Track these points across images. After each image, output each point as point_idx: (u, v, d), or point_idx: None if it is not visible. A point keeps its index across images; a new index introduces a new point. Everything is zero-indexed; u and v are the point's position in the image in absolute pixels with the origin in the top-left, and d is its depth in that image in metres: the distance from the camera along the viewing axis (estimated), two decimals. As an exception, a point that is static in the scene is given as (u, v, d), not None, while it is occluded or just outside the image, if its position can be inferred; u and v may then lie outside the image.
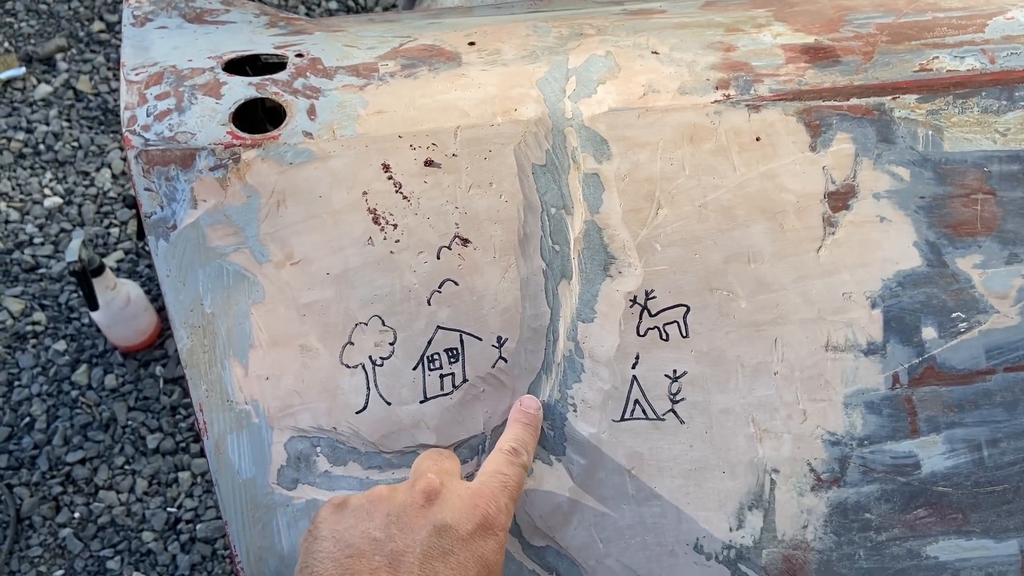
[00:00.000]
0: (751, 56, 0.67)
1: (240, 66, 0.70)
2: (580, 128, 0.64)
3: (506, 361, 0.62)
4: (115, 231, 1.92)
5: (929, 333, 0.62)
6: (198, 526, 1.62)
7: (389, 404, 0.61)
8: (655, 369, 0.62)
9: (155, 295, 1.84)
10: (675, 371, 0.62)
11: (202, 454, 1.70)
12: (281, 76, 0.67)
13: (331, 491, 0.60)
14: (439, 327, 0.62)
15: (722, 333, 0.62)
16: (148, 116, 0.64)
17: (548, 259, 0.63)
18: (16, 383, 1.76)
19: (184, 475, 1.67)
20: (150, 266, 1.88)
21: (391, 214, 0.62)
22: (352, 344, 0.61)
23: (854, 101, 0.64)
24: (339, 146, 0.63)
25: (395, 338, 0.61)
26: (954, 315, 0.62)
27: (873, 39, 0.68)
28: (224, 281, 0.61)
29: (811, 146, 0.64)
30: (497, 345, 0.62)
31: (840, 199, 0.63)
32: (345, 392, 0.61)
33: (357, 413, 0.61)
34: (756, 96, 0.64)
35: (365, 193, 0.62)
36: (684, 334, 0.62)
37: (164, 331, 1.81)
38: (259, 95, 0.65)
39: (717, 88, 0.65)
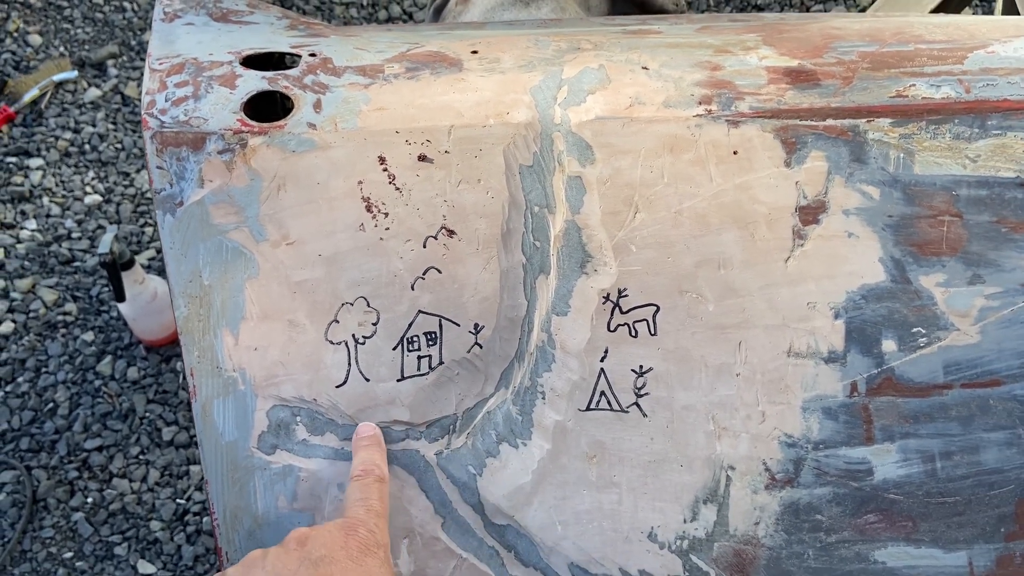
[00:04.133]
0: (736, 76, 0.70)
1: (257, 62, 0.75)
2: (567, 133, 0.68)
3: (481, 347, 0.65)
4: (149, 230, 1.99)
5: (889, 346, 0.64)
6: (205, 519, 1.67)
7: (368, 380, 0.65)
8: (623, 363, 0.64)
9: (181, 293, 1.90)
10: (641, 366, 0.64)
11: (214, 449, 1.74)
12: (293, 72, 0.72)
13: (307, 458, 0.64)
14: (420, 311, 0.65)
15: (689, 333, 0.65)
16: (166, 101, 0.69)
17: (528, 254, 0.66)
18: (43, 370, 1.82)
19: (195, 468, 1.72)
20: (179, 265, 1.95)
21: (383, 203, 0.66)
22: (337, 322, 0.65)
23: (830, 122, 0.67)
24: (340, 138, 0.67)
25: (378, 319, 0.65)
26: (915, 330, 0.64)
27: (854, 65, 0.71)
28: (223, 256, 0.66)
29: (786, 162, 0.67)
30: (474, 332, 0.65)
31: (811, 213, 0.66)
32: (327, 367, 0.65)
33: (337, 387, 0.64)
34: (737, 112, 0.68)
35: (360, 182, 0.67)
36: (653, 332, 0.65)
37: (187, 328, 1.87)
38: (270, 88, 0.70)
39: (700, 103, 0.68)
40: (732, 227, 0.66)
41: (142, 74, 2.20)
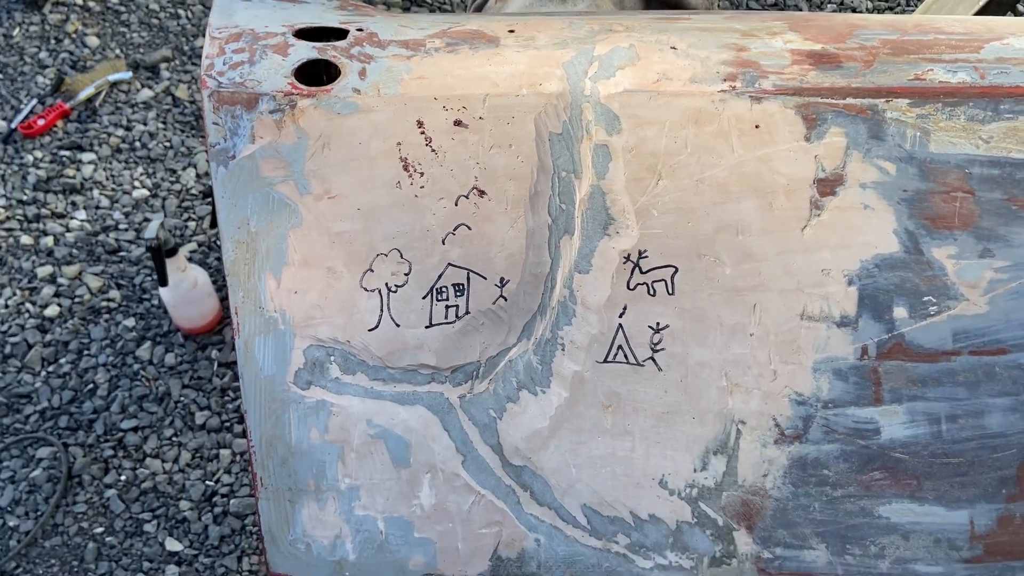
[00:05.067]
0: (761, 56, 0.74)
1: (309, 35, 0.80)
2: (596, 104, 0.71)
3: (506, 300, 0.69)
4: (192, 224, 2.06)
5: (900, 312, 0.66)
6: (232, 501, 1.71)
7: (398, 326, 0.68)
8: (640, 320, 0.68)
9: (220, 284, 1.97)
10: (658, 323, 0.67)
11: (243, 435, 1.79)
12: (341, 43, 0.77)
13: (339, 395, 0.67)
14: (450, 264, 0.69)
15: (705, 294, 0.68)
16: (224, 65, 0.74)
17: (554, 215, 0.70)
18: (85, 352, 1.89)
19: (225, 452, 1.76)
20: (219, 259, 2.01)
21: (420, 163, 0.70)
22: (372, 271, 0.69)
23: (850, 100, 0.70)
24: (382, 102, 0.72)
25: (410, 269, 0.69)
26: (926, 298, 0.66)
27: (875, 51, 0.74)
28: (269, 206, 0.70)
29: (806, 136, 0.70)
30: (499, 285, 0.69)
31: (828, 185, 0.69)
32: (361, 311, 0.68)
33: (370, 331, 0.68)
34: (760, 89, 0.71)
35: (399, 144, 0.71)
36: (670, 292, 0.68)
37: (224, 318, 1.93)
38: (320, 56, 0.75)
39: (725, 80, 0.72)
40: (751, 196, 0.69)
41: (194, 77, 2.29)
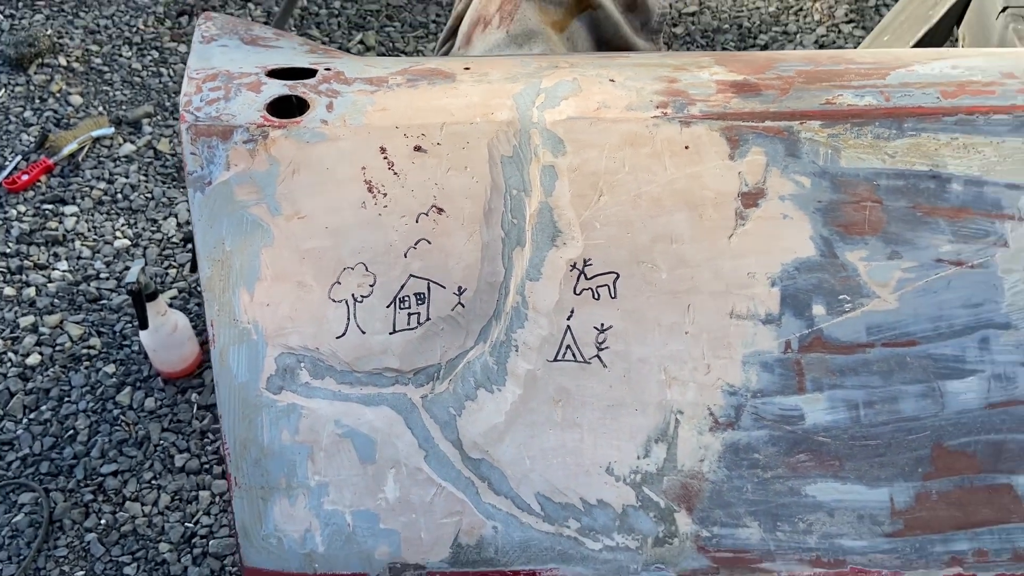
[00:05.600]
0: (689, 87, 0.82)
1: (281, 75, 0.87)
2: (543, 130, 0.79)
3: (464, 307, 0.75)
4: (173, 272, 2.11)
5: (819, 310, 0.73)
6: (211, 542, 1.73)
7: (364, 333, 0.74)
8: (586, 322, 0.74)
9: (200, 329, 2.01)
10: (603, 324, 0.74)
11: (223, 476, 1.82)
12: (310, 81, 0.84)
13: (309, 398, 0.73)
14: (411, 275, 0.75)
15: (644, 297, 0.74)
16: (201, 101, 0.81)
17: (507, 229, 0.77)
18: (66, 399, 1.92)
19: (204, 494, 1.79)
20: (199, 304, 2.06)
21: (383, 185, 0.77)
22: (339, 283, 0.75)
23: (768, 123, 0.78)
24: (348, 131, 0.79)
25: (375, 281, 0.75)
26: (841, 297, 0.73)
27: (791, 80, 0.82)
28: (243, 227, 0.77)
29: (730, 156, 0.77)
30: (458, 293, 0.75)
31: (751, 198, 0.76)
32: (329, 321, 0.74)
33: (337, 338, 0.74)
34: (688, 115, 0.79)
35: (364, 168, 0.78)
36: (613, 295, 0.74)
37: (204, 362, 1.97)
38: (290, 93, 0.82)
39: (657, 107, 0.80)
40: (683, 209, 0.76)
41: (175, 132, 2.37)
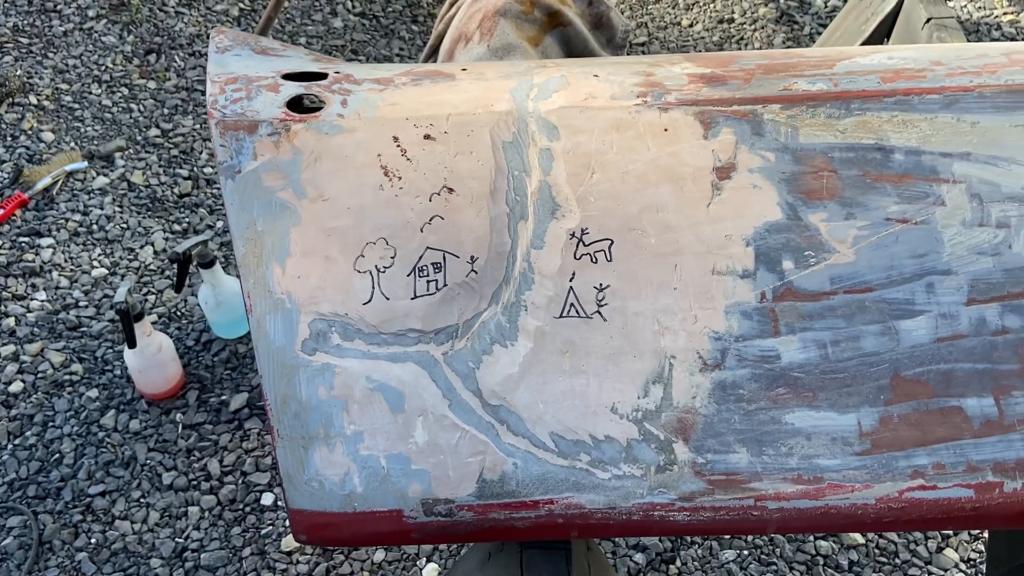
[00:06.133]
0: (664, 79, 0.93)
1: (294, 79, 0.96)
2: (539, 119, 0.89)
3: (476, 273, 0.84)
4: (152, 298, 2.15)
5: (788, 265, 0.84)
6: (202, 555, 1.76)
7: (388, 299, 0.82)
8: (586, 282, 0.83)
9: (182, 351, 2.06)
10: (601, 284, 0.83)
11: (211, 492, 1.85)
12: (323, 82, 0.93)
13: (341, 358, 0.81)
14: (428, 247, 0.84)
15: (636, 259, 0.84)
16: (226, 100, 0.89)
17: (511, 205, 0.86)
18: (51, 424, 1.94)
19: (193, 509, 1.82)
20: (179, 328, 2.11)
21: (398, 170, 0.86)
22: (363, 257, 0.83)
23: (735, 107, 0.89)
24: (362, 124, 0.88)
25: (395, 254, 0.84)
26: (806, 253, 0.84)
27: (752, 71, 0.94)
28: (273, 210, 0.85)
29: (704, 136, 0.88)
30: (470, 262, 0.84)
31: (724, 172, 0.87)
32: (356, 289, 0.82)
33: (364, 304, 0.82)
34: (666, 102, 0.90)
35: (379, 155, 0.87)
36: (609, 259, 0.84)
37: (187, 383, 2.01)
38: (306, 92, 0.91)
39: (638, 96, 0.90)
40: (666, 183, 0.86)
41: (147, 164, 2.43)
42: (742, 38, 2.84)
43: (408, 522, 0.78)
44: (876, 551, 1.82)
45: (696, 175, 0.87)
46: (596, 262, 0.84)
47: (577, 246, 0.84)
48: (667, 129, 0.88)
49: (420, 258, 0.84)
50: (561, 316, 0.83)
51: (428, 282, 0.83)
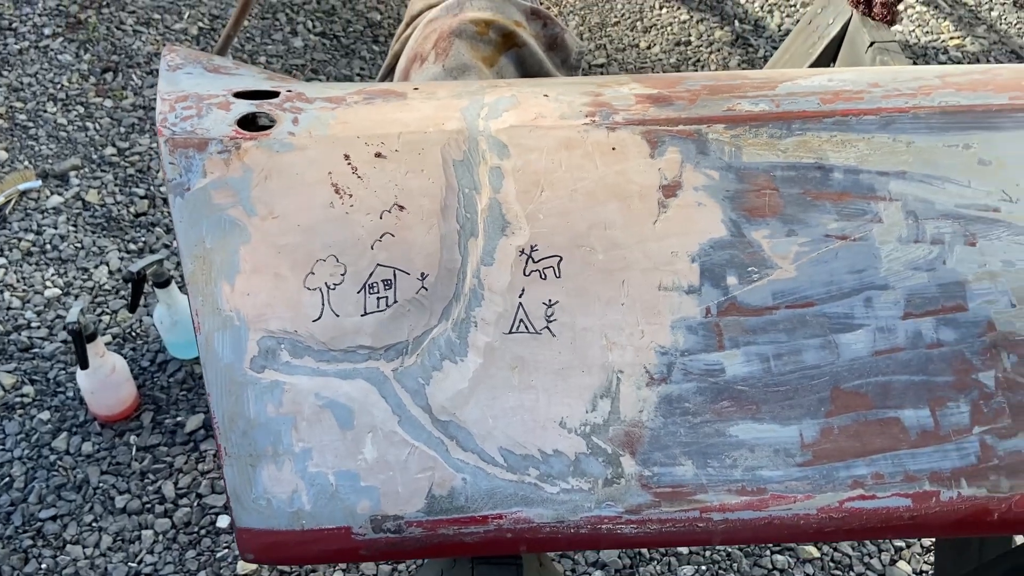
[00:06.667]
0: (612, 99, 0.95)
1: (246, 97, 0.96)
2: (489, 137, 0.90)
3: (427, 290, 0.84)
4: (106, 318, 2.13)
5: (732, 280, 0.85)
6: (155, 579, 1.73)
7: (338, 316, 0.83)
8: (535, 298, 0.84)
9: (137, 372, 2.03)
10: (550, 300, 0.84)
11: (165, 515, 1.82)
12: (275, 100, 0.94)
13: (290, 375, 0.81)
14: (378, 264, 0.84)
15: (585, 276, 0.85)
16: (176, 118, 0.89)
17: (461, 223, 0.87)
18: (0, 448, 1.90)
19: (147, 533, 1.79)
20: (134, 348, 2.08)
21: (348, 187, 0.87)
22: (313, 274, 0.84)
23: (681, 127, 0.91)
24: (313, 141, 0.88)
25: (345, 271, 0.84)
26: (750, 269, 0.86)
27: (698, 92, 0.96)
28: (222, 227, 0.85)
29: (650, 155, 0.90)
30: (420, 279, 0.84)
31: (670, 190, 0.89)
32: (305, 306, 0.83)
33: (313, 321, 0.82)
34: (613, 122, 0.92)
35: (330, 173, 0.87)
36: (558, 275, 0.85)
37: (141, 405, 1.98)
38: (257, 111, 0.92)
39: (587, 116, 0.92)
40: (614, 200, 0.88)
41: (103, 183, 2.40)
42: (698, 60, 2.90)
43: (357, 539, 0.78)
44: (831, 564, 1.85)
45: (643, 193, 0.88)
46: (545, 278, 0.85)
47: (526, 263, 0.86)
48: (615, 148, 0.90)
49: (370, 275, 0.84)
50: (510, 332, 0.84)
51: (378, 299, 0.84)
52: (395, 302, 0.84)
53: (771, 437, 0.81)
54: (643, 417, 0.81)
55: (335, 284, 0.84)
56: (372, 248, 0.85)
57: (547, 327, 0.84)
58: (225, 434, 0.79)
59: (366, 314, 0.83)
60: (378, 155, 0.88)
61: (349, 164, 0.88)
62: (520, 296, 0.85)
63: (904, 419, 0.82)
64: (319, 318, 0.83)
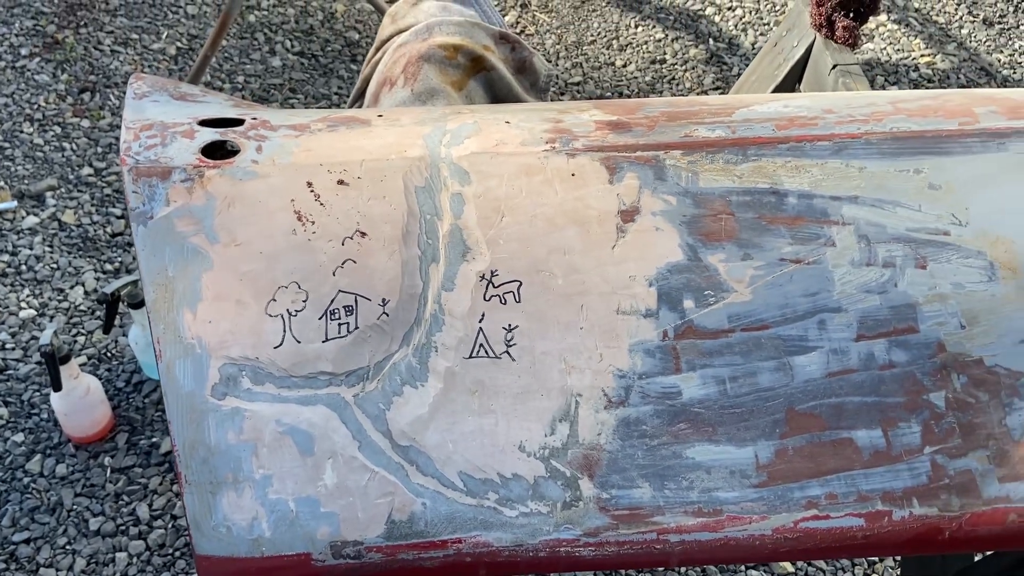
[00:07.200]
0: (573, 126, 0.97)
1: (211, 125, 0.97)
2: (450, 164, 0.92)
3: (388, 316, 0.85)
4: (81, 339, 2.12)
5: (689, 304, 0.87)
6: (129, 602, 1.72)
7: (299, 342, 0.84)
8: (495, 323, 0.86)
9: (112, 393, 2.02)
10: (510, 324, 0.86)
11: (140, 536, 1.82)
12: (239, 128, 0.95)
13: (251, 402, 0.81)
14: (340, 290, 0.85)
15: (544, 300, 0.87)
16: (140, 147, 0.90)
17: (423, 248, 0.88)
18: (-29, 470, 1.89)
19: (121, 555, 1.78)
20: (109, 369, 2.08)
21: (311, 214, 0.88)
22: (275, 300, 0.85)
23: (639, 153, 0.93)
24: (277, 169, 0.90)
25: (307, 297, 0.85)
26: (706, 292, 0.87)
27: (656, 119, 0.98)
28: (184, 255, 0.85)
29: (609, 180, 0.92)
30: (382, 304, 0.86)
31: (629, 215, 0.90)
32: (267, 333, 0.84)
33: (275, 348, 0.83)
34: (573, 148, 0.93)
35: (293, 200, 0.88)
36: (517, 300, 0.86)
37: (116, 426, 1.98)
38: (222, 139, 0.93)
39: (547, 142, 0.94)
40: (573, 226, 0.89)
41: (79, 203, 2.40)
42: (673, 78, 2.93)
43: (316, 565, 0.79)
44: (805, 579, 1.86)
45: (601, 218, 0.90)
46: (505, 303, 0.86)
47: (487, 288, 0.87)
48: (574, 174, 0.92)
49: (332, 301, 0.85)
50: (471, 357, 0.85)
51: (340, 325, 0.85)
52: (356, 328, 0.85)
53: (727, 459, 0.83)
54: (601, 440, 0.83)
55: (297, 310, 0.85)
56: (334, 274, 0.86)
57: (507, 351, 0.85)
58: (185, 461, 0.79)
59: (327, 340, 0.84)
60: (341, 182, 0.90)
61: (312, 191, 0.89)
62: (480, 321, 0.86)
63: (857, 440, 0.84)
64: (280, 344, 0.84)
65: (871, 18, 2.90)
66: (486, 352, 0.85)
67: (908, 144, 0.94)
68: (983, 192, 0.92)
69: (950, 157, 0.93)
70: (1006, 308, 0.88)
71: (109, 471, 1.91)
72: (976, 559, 1.31)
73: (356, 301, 0.86)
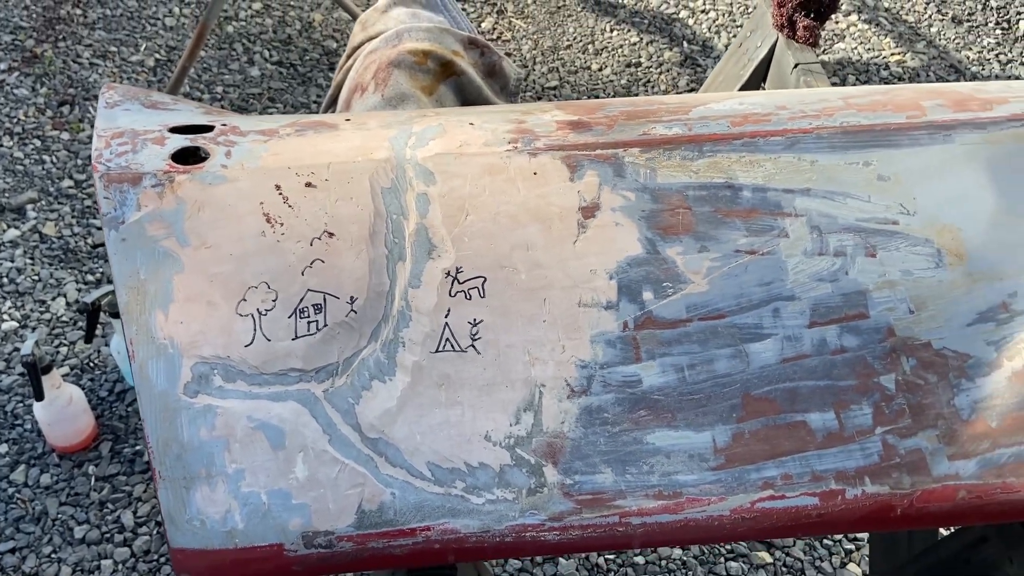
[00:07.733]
0: (535, 126, 1.00)
1: (181, 132, 0.99)
2: (416, 165, 0.94)
3: (356, 313, 0.88)
4: (64, 349, 2.13)
5: (648, 295, 0.90)
6: (115, 608, 1.73)
7: (269, 341, 0.86)
8: (461, 318, 0.88)
9: (95, 403, 2.04)
10: (475, 319, 0.88)
11: (125, 544, 1.83)
12: (209, 134, 0.97)
13: (223, 399, 0.84)
14: (309, 289, 0.88)
15: (508, 295, 0.89)
16: (111, 154, 0.93)
17: (389, 247, 0.91)
18: (-45, 482, 1.90)
19: (107, 563, 1.80)
20: (92, 379, 2.09)
21: (280, 216, 0.90)
22: (245, 300, 0.87)
23: (599, 151, 0.96)
24: (245, 173, 0.92)
25: (276, 296, 0.87)
26: (664, 284, 0.90)
27: (615, 118, 1.01)
28: (156, 258, 0.88)
29: (570, 178, 0.94)
30: (350, 302, 0.88)
31: (589, 211, 0.93)
32: (238, 332, 0.86)
33: (246, 346, 0.86)
34: (535, 148, 0.96)
35: (262, 203, 0.91)
36: (482, 295, 0.89)
37: (100, 435, 1.99)
38: (191, 144, 0.95)
39: (510, 143, 0.97)
40: (535, 222, 0.92)
41: (60, 216, 2.41)
42: (648, 80, 2.97)
43: (289, 555, 0.81)
44: (784, 569, 1.89)
45: (563, 215, 0.93)
46: (470, 298, 0.89)
47: (452, 284, 0.89)
48: (536, 173, 0.95)
49: (301, 300, 0.88)
50: (437, 351, 0.87)
51: (309, 323, 0.87)
52: (325, 325, 0.87)
53: (686, 443, 0.86)
54: (564, 428, 0.85)
55: (267, 310, 0.87)
56: (303, 274, 0.89)
57: (472, 345, 0.88)
58: (159, 458, 0.81)
59: (297, 338, 0.87)
60: (308, 184, 0.92)
61: (280, 194, 0.91)
62: (446, 316, 0.88)
63: (811, 422, 0.87)
64: (251, 343, 0.86)
65: (841, 18, 2.94)
66: (452, 346, 0.88)
67: (858, 138, 0.97)
68: (930, 182, 0.95)
69: (898, 149, 0.97)
70: (953, 293, 0.91)
71: (93, 480, 1.93)
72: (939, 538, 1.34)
73: (325, 299, 0.88)
